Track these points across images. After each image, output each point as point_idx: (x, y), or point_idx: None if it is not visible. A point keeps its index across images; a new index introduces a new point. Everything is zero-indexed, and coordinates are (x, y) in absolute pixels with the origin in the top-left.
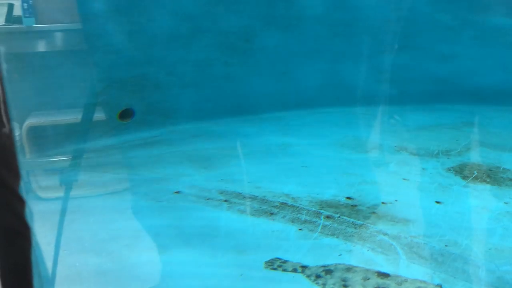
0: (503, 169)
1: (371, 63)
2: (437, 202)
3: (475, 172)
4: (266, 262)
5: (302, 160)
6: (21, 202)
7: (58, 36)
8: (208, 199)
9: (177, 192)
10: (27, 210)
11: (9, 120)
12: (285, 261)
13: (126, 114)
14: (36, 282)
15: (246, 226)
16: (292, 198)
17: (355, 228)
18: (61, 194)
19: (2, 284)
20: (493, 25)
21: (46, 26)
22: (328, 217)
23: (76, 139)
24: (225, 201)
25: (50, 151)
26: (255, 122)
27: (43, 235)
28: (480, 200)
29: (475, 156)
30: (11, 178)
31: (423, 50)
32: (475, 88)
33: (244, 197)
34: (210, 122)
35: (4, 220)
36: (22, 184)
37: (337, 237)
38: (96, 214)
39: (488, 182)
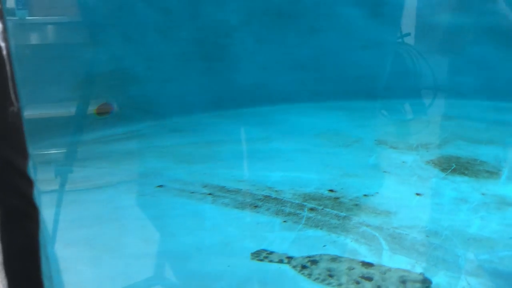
0: (480, 161)
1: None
2: (417, 194)
3: (454, 164)
4: (253, 254)
5: (284, 154)
6: (29, 183)
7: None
8: (192, 192)
9: (160, 186)
10: (35, 191)
11: (17, 98)
12: (271, 252)
13: (104, 109)
14: (44, 264)
15: (231, 219)
16: (276, 191)
17: (339, 219)
18: (41, 188)
19: (8, 268)
20: None
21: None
22: (311, 209)
23: (55, 133)
24: (209, 194)
25: (31, 145)
26: (237, 116)
27: None
28: (459, 191)
29: (453, 149)
30: (20, 158)
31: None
32: (452, 84)
33: (228, 191)
34: (191, 116)
35: (12, 201)
36: (31, 164)
37: (321, 229)
38: (76, 209)
39: (466, 174)
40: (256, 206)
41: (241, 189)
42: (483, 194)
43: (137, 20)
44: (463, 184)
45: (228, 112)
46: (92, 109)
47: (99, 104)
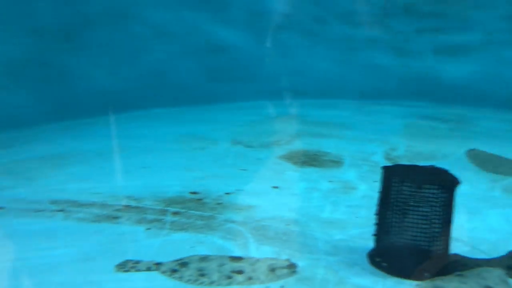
0: (325, 152)
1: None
2: (274, 187)
3: (303, 157)
4: (117, 266)
5: (142, 161)
6: None
7: None
8: (38, 211)
9: (0, 208)
10: None
11: None
12: (138, 262)
13: None
14: None
15: (88, 233)
16: (136, 199)
17: (204, 220)
18: None
19: None
20: None
21: None
22: (175, 213)
23: None
24: (60, 211)
25: None
26: (83, 126)
27: None
28: (310, 181)
29: (301, 144)
30: None
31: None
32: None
33: (82, 205)
34: (28, 129)
35: None
36: None
37: (187, 231)
38: None
39: (314, 165)
40: (115, 217)
41: (97, 202)
42: (330, 181)
43: None
44: (313, 174)
45: (73, 122)
46: None
47: None
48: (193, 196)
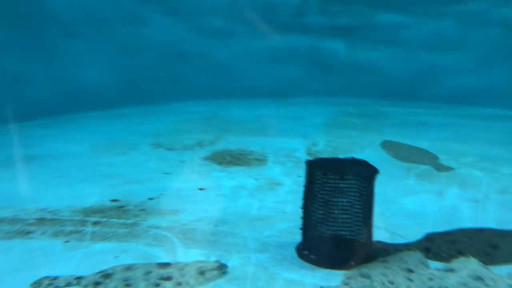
0: (249, 151)
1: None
2: (200, 189)
3: (228, 157)
4: (33, 284)
5: (55, 170)
6: None
7: None
8: None
9: None
10: None
11: None
12: (56, 278)
13: None
14: None
15: None
16: (51, 211)
17: (127, 227)
18: None
19: None
20: None
21: None
22: (96, 223)
23: None
24: None
25: None
26: None
27: None
28: (236, 180)
29: (225, 144)
30: None
31: None
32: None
33: None
34: None
35: None
36: None
37: (109, 241)
38: None
39: (239, 164)
40: (28, 232)
41: (6, 217)
42: (256, 179)
43: None
44: (238, 173)
45: None
46: None
47: None
48: (114, 204)
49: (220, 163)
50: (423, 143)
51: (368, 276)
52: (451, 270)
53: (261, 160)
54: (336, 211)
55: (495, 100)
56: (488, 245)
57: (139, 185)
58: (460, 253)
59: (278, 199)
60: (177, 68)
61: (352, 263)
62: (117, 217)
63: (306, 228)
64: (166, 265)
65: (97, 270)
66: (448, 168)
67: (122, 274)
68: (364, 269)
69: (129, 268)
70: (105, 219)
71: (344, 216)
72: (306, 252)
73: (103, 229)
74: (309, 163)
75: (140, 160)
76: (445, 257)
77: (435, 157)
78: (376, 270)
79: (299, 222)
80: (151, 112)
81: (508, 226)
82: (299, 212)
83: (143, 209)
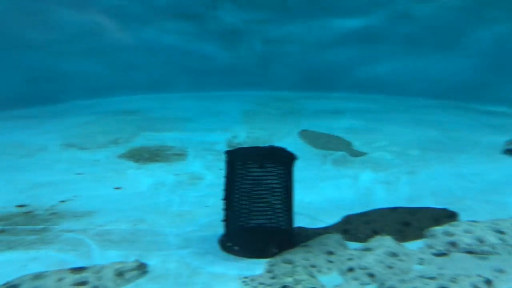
0: (168, 146)
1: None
2: (117, 188)
3: (145, 154)
4: None
5: None
6: None
7: None
8: None
9: None
10: None
11: None
12: None
13: None
14: None
15: None
16: None
17: (36, 234)
18: None
19: None
20: None
21: None
22: (0, 231)
23: None
24: None
25: None
26: None
27: None
28: (155, 177)
29: (142, 140)
30: None
31: None
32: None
33: None
34: None
35: None
36: None
37: (15, 250)
38: None
39: (158, 161)
40: None
41: None
42: (176, 174)
43: None
44: (157, 170)
45: None
46: None
47: None
48: (20, 209)
49: (137, 161)
50: (338, 131)
51: (290, 262)
52: (368, 249)
53: (180, 155)
54: (257, 200)
55: (400, 89)
56: (401, 223)
57: (49, 188)
58: (376, 232)
59: (200, 193)
60: (87, 63)
61: (275, 250)
62: (25, 223)
63: (228, 219)
64: (80, 269)
65: (2, 283)
66: (361, 153)
67: (30, 284)
68: (287, 255)
69: (38, 276)
70: (10, 227)
71: (265, 204)
72: (229, 244)
73: (8, 237)
74: (228, 153)
75: (49, 162)
76: (362, 237)
77: (349, 143)
78: (298, 255)
79: (221, 215)
80: (60, 111)
81: (417, 204)
82: (221, 205)
83: (54, 213)
